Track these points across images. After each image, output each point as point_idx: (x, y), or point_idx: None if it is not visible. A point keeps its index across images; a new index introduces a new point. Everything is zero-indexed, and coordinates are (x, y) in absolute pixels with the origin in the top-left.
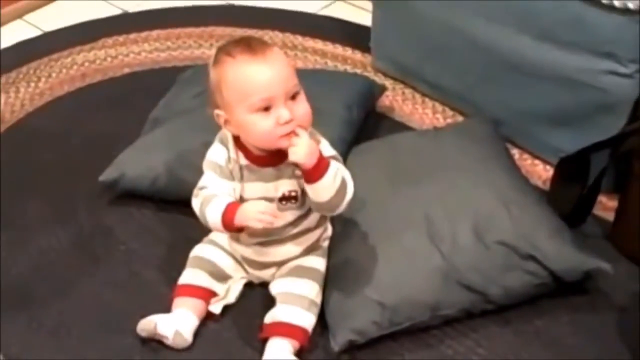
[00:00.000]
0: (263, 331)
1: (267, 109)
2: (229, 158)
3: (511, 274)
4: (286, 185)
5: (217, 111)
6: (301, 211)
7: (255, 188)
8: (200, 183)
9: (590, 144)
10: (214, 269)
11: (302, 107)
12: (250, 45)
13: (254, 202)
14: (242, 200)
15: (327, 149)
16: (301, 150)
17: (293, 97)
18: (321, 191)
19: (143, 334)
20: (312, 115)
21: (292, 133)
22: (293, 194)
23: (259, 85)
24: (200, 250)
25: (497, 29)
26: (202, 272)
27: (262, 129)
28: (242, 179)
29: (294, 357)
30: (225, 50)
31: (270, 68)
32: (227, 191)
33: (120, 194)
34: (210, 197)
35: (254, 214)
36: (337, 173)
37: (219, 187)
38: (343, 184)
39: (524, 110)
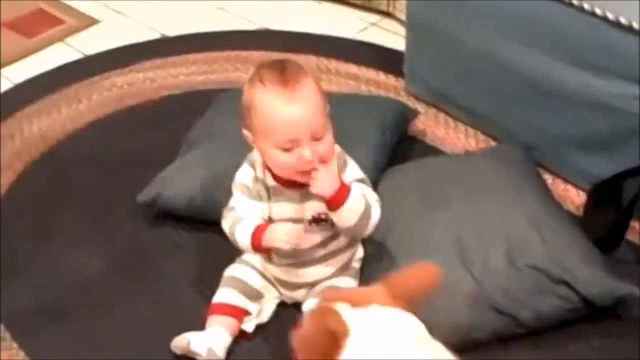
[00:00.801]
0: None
1: (290, 147)
2: (256, 178)
3: (543, 298)
4: (316, 207)
5: (245, 131)
6: (331, 232)
7: (283, 208)
8: (230, 204)
9: (624, 170)
10: (247, 288)
11: (325, 145)
12: (283, 73)
13: (281, 224)
14: (270, 220)
15: (354, 172)
16: (321, 183)
17: (318, 138)
18: (344, 217)
19: (177, 351)
20: (339, 144)
21: (313, 169)
22: (323, 216)
23: (285, 125)
24: (233, 271)
25: (529, 54)
26: (235, 291)
27: (282, 164)
28: (269, 199)
29: None
30: (259, 73)
31: (298, 106)
32: (256, 212)
33: (157, 214)
34: (239, 218)
35: (281, 235)
36: (359, 199)
37: (248, 208)
38: (367, 209)
39: (556, 135)
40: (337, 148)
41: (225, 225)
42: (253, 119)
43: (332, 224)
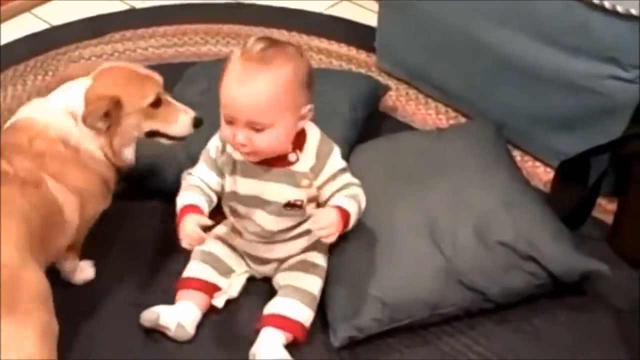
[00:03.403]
0: (260, 322)
1: (230, 121)
2: (223, 151)
3: (511, 274)
4: (282, 190)
5: None
6: (303, 217)
7: (248, 185)
8: (192, 169)
9: (591, 147)
10: (218, 263)
11: (263, 139)
12: (263, 52)
13: (193, 220)
14: (235, 195)
15: (337, 162)
16: (325, 232)
17: (258, 129)
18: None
19: (146, 324)
20: (287, 138)
21: (252, 155)
22: (298, 202)
23: (226, 100)
24: (204, 245)
25: (501, 32)
26: (206, 266)
27: (223, 133)
28: (234, 173)
29: (283, 349)
30: (250, 42)
31: (244, 90)
32: (209, 183)
33: (128, 185)
34: (188, 186)
35: (183, 233)
36: (355, 213)
37: (203, 176)
38: (359, 209)
39: (527, 113)
40: (318, 132)
41: (181, 187)
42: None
43: (305, 211)
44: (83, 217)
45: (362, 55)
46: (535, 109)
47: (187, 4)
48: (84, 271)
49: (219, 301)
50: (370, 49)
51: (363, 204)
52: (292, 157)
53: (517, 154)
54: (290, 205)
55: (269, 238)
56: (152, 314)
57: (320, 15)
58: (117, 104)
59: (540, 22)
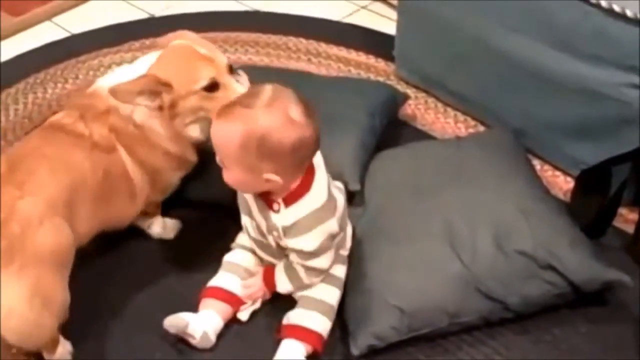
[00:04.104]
0: (279, 332)
1: None
2: None
3: (530, 283)
4: (266, 224)
5: None
6: None
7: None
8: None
9: (612, 157)
10: (246, 274)
11: (226, 176)
12: (258, 96)
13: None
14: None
15: (308, 242)
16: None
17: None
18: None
19: (172, 330)
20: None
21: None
22: None
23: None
24: (232, 256)
25: (520, 40)
26: (234, 277)
27: None
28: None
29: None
30: (257, 89)
31: (221, 127)
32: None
33: None
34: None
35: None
36: (285, 283)
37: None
38: (297, 282)
39: (546, 121)
40: (315, 205)
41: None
42: None
43: None
44: (154, 189)
45: (381, 63)
46: (554, 117)
47: (206, 13)
48: (167, 228)
49: (244, 314)
50: (388, 57)
51: (305, 282)
52: (275, 205)
53: (536, 163)
54: None
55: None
56: (180, 320)
57: (338, 24)
58: (165, 85)
59: (558, 30)
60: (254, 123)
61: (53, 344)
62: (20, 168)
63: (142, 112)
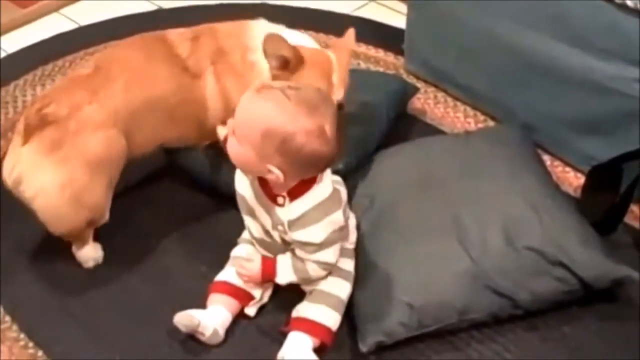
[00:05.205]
0: (288, 325)
1: None
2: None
3: (540, 280)
4: (271, 221)
5: None
6: None
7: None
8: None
9: (623, 153)
10: None
11: (230, 145)
12: (297, 87)
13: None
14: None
15: (315, 234)
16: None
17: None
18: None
19: (183, 328)
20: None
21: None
22: None
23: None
24: (240, 250)
25: (530, 34)
26: None
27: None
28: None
29: (312, 353)
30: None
31: (256, 110)
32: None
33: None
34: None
35: None
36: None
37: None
38: (302, 276)
39: (556, 116)
40: (322, 197)
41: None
42: None
43: None
44: (227, 115)
45: (390, 57)
46: (564, 112)
47: (214, 5)
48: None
49: (251, 310)
50: (398, 51)
51: (310, 275)
52: (280, 199)
53: (547, 159)
54: None
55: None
56: (191, 319)
57: (347, 17)
58: (297, 64)
59: (569, 24)
60: (288, 120)
61: (79, 238)
62: (102, 74)
63: (262, 57)
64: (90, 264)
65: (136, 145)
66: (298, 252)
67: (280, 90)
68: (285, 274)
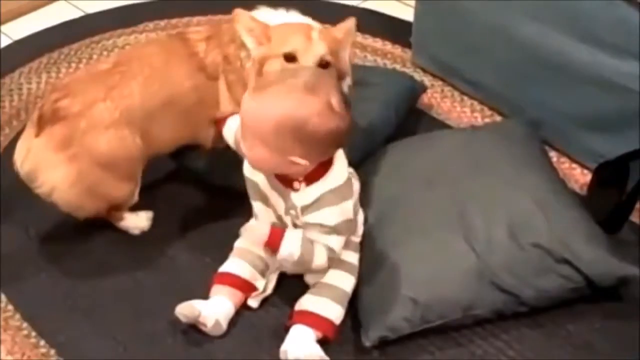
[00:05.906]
0: (290, 318)
1: None
2: None
3: (545, 277)
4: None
5: None
6: None
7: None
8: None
9: (630, 151)
10: (257, 260)
11: (248, 153)
12: (300, 75)
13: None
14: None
15: (329, 217)
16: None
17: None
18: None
19: (184, 319)
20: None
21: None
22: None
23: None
24: (243, 241)
25: (539, 29)
26: (245, 263)
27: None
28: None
29: (315, 344)
30: (301, 69)
31: (260, 109)
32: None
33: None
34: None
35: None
36: (295, 247)
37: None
38: (305, 256)
39: (564, 112)
40: (338, 181)
41: None
42: None
43: None
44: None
45: (397, 50)
46: (572, 108)
47: None
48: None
49: (254, 302)
50: (405, 44)
51: (317, 256)
52: (296, 184)
53: (553, 155)
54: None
55: None
56: (193, 309)
57: (355, 9)
58: (266, 39)
59: (578, 19)
60: (294, 108)
61: (111, 217)
62: (120, 70)
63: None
64: (135, 232)
65: (154, 144)
66: (309, 233)
67: (277, 82)
68: (290, 245)
